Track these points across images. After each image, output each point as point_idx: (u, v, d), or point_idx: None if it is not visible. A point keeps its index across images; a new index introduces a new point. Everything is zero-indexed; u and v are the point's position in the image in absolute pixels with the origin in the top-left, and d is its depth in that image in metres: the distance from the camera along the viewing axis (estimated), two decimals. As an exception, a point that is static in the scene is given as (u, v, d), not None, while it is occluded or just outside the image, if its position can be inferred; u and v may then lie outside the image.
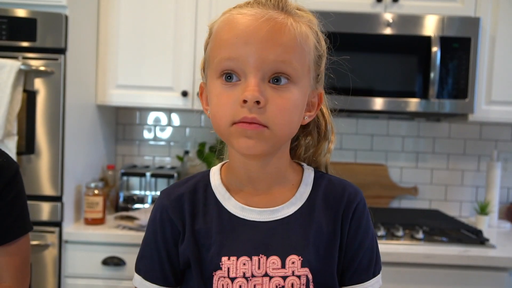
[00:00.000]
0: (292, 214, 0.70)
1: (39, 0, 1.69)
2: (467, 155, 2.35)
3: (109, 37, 1.99)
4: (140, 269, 0.74)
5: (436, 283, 1.69)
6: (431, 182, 2.36)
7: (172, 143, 2.37)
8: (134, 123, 2.36)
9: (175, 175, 2.10)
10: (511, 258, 1.66)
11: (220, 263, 0.67)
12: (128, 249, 1.77)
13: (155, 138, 2.37)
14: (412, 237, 1.79)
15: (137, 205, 2.07)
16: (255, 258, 0.67)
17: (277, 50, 0.61)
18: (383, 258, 1.69)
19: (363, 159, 2.35)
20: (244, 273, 0.67)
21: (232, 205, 0.70)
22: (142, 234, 1.68)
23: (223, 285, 0.67)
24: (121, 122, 2.35)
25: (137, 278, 0.74)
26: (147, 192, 2.09)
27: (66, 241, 1.76)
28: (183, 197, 0.72)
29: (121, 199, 2.08)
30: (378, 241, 1.75)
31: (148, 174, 2.09)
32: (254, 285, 0.66)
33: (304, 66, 0.65)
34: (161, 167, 2.26)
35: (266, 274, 0.67)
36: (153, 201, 2.09)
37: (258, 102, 0.61)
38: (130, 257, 1.76)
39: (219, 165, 0.76)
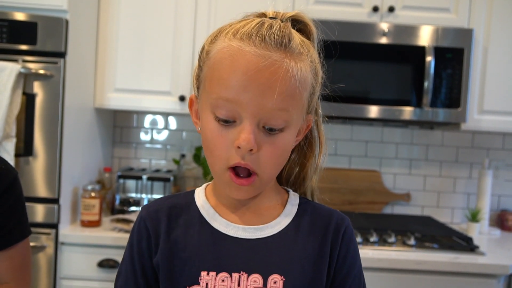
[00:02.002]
0: (277, 233, 0.70)
1: (40, 4, 1.71)
2: (460, 163, 2.39)
3: (108, 42, 2.01)
4: (118, 279, 0.74)
5: (427, 289, 1.72)
6: (424, 188, 2.40)
7: (168, 146, 2.39)
8: (131, 126, 2.38)
9: (171, 178, 2.12)
10: (500, 266, 1.70)
11: (199, 278, 0.66)
12: (123, 251, 1.78)
13: (152, 141, 2.39)
14: (404, 244, 1.82)
15: (133, 208, 2.08)
16: (235, 275, 0.66)
17: (276, 99, 0.61)
18: (376, 264, 1.74)
19: (357, 165, 2.39)
20: None
21: (216, 221, 0.70)
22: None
23: None
24: (118, 125, 2.37)
25: None
26: (143, 195, 2.11)
27: (62, 243, 1.77)
28: (162, 210, 0.72)
29: (117, 202, 2.10)
30: (371, 247, 1.79)
31: (144, 177, 2.11)
32: None
33: (300, 108, 0.65)
34: (157, 170, 2.28)
35: None
36: (149, 204, 2.10)
37: (251, 149, 0.62)
38: (126, 260, 1.78)
39: (204, 185, 0.76)
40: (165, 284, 0.68)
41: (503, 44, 2.01)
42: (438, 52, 1.95)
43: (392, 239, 1.83)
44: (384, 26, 1.96)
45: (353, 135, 2.38)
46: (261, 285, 0.66)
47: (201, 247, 0.68)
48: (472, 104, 2.03)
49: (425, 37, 1.96)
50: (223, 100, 0.62)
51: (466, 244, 1.84)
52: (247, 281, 0.66)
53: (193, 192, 0.76)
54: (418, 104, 1.97)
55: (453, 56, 1.96)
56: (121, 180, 2.11)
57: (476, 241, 1.92)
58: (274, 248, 0.68)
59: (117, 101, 2.04)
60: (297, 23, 0.71)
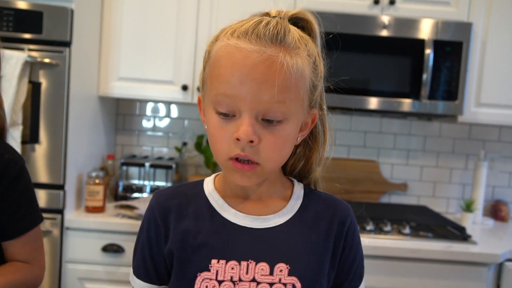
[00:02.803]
0: (283, 223, 0.73)
1: (46, -6, 1.73)
2: (456, 154, 2.43)
3: (112, 31, 2.03)
4: (133, 264, 0.79)
5: (421, 276, 1.78)
6: (421, 179, 2.44)
7: (170, 134, 2.43)
8: (134, 114, 2.42)
9: (173, 166, 2.17)
10: (491, 254, 1.75)
11: (209, 265, 0.69)
12: (127, 237, 1.84)
13: (154, 129, 2.43)
14: (399, 232, 1.88)
15: (135, 194, 2.13)
16: (243, 263, 0.70)
17: (272, 92, 0.63)
18: (371, 252, 1.79)
19: (356, 155, 2.43)
20: (231, 277, 0.69)
21: (225, 210, 0.73)
22: (140, 223, 1.75)
23: (207, 286, 0.69)
24: (121, 112, 2.41)
25: (131, 271, 0.79)
26: (146, 182, 2.16)
27: (67, 228, 1.82)
28: (172, 199, 0.76)
29: (120, 188, 2.15)
30: (367, 236, 1.84)
31: (147, 164, 2.15)
32: None
33: (298, 101, 0.68)
34: (159, 158, 2.32)
35: (253, 280, 0.69)
36: (151, 190, 2.15)
37: (251, 141, 0.64)
38: (129, 245, 1.84)
39: (213, 175, 0.79)
40: (177, 271, 0.72)
41: (501, 39, 2.04)
42: (437, 45, 1.98)
43: (388, 228, 1.89)
44: (385, 18, 1.99)
45: (352, 125, 2.42)
46: (268, 273, 0.70)
47: (212, 236, 0.72)
48: (470, 97, 2.07)
49: (425, 30, 1.99)
50: (223, 96, 0.65)
51: (459, 234, 1.89)
52: (254, 269, 0.70)
53: (202, 182, 0.79)
54: (416, 96, 2.00)
55: (452, 50, 1.99)
56: (124, 167, 2.16)
57: (469, 231, 1.97)
58: (280, 238, 0.72)
59: (120, 89, 2.08)
60: (300, 21, 0.73)
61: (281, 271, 0.70)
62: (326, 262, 0.74)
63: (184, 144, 2.39)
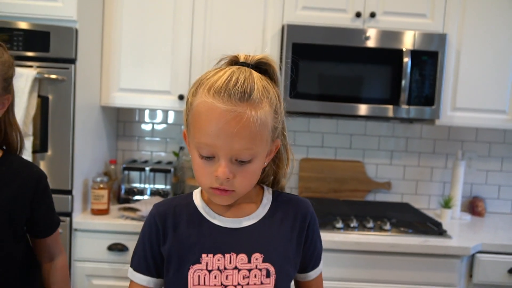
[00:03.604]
0: (256, 223, 0.92)
1: (52, 15, 1.88)
2: (436, 154, 2.60)
3: (112, 46, 2.18)
4: (132, 263, 0.96)
5: (400, 268, 1.95)
6: (403, 177, 2.61)
7: (168, 139, 2.59)
8: (134, 121, 2.57)
9: (172, 170, 2.33)
10: (463, 247, 1.93)
11: (200, 259, 0.88)
12: (130, 236, 2.00)
13: (153, 134, 2.58)
14: (381, 229, 2.05)
15: (137, 197, 2.29)
16: (227, 255, 0.88)
17: (241, 142, 0.80)
18: (355, 247, 1.96)
19: (343, 156, 2.59)
20: (218, 267, 0.88)
21: (211, 216, 0.92)
22: (143, 224, 1.92)
23: (199, 275, 0.87)
24: (122, 119, 2.56)
25: (130, 270, 0.97)
26: (146, 185, 2.32)
27: (76, 229, 1.98)
28: (169, 209, 0.94)
29: (122, 191, 2.30)
30: (351, 232, 2.01)
31: (147, 168, 2.31)
32: (226, 276, 0.87)
33: (262, 143, 0.84)
34: (158, 162, 2.48)
35: (235, 268, 0.88)
36: (151, 193, 2.31)
37: (227, 178, 0.82)
38: (132, 244, 1.97)
39: (199, 188, 0.97)
40: (175, 265, 0.90)
41: (474, 48, 2.21)
42: (415, 55, 2.14)
43: (370, 224, 2.05)
44: (367, 30, 2.15)
45: (339, 128, 2.58)
46: (246, 261, 0.88)
47: (201, 236, 0.90)
48: (446, 102, 2.23)
49: (403, 41, 2.15)
50: (204, 144, 0.82)
51: (436, 229, 2.06)
52: (236, 259, 0.88)
53: (191, 194, 0.97)
54: (396, 102, 2.16)
55: (428, 59, 2.15)
56: (126, 172, 2.31)
57: (447, 226, 2.14)
58: (255, 234, 0.91)
59: (121, 99, 2.23)
60: (263, 65, 0.89)
61: (257, 259, 0.88)
62: (293, 250, 0.93)
63: (181, 148, 2.54)
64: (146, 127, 2.58)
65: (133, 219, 2.02)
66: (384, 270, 1.95)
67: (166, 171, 2.32)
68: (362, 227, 2.06)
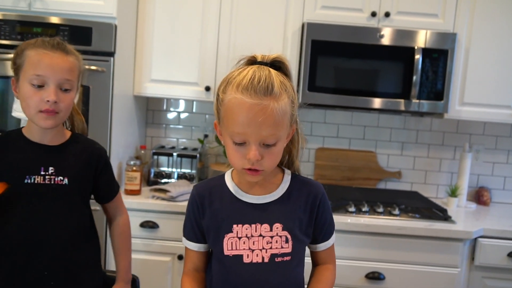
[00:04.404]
0: (277, 199, 1.10)
1: (94, 12, 2.08)
2: (445, 146, 2.75)
3: (145, 40, 2.37)
4: (184, 233, 1.17)
5: (406, 250, 2.12)
6: (413, 167, 2.77)
7: (193, 128, 2.78)
8: (162, 110, 2.77)
9: (198, 156, 2.52)
10: (466, 232, 2.09)
11: (232, 228, 1.08)
12: (160, 215, 2.20)
13: (179, 123, 2.78)
14: (390, 213, 2.22)
15: (165, 180, 2.49)
16: (253, 225, 1.08)
17: (267, 129, 0.97)
18: (365, 229, 2.14)
19: (356, 147, 2.76)
20: (246, 234, 1.08)
21: (240, 194, 1.11)
22: (172, 204, 2.21)
23: (231, 242, 1.08)
24: (151, 108, 2.76)
25: (183, 239, 1.18)
26: (174, 169, 2.52)
27: (111, 207, 2.19)
28: (206, 189, 1.14)
29: (152, 175, 2.51)
30: (362, 216, 2.19)
31: (175, 154, 2.51)
32: (253, 242, 1.07)
33: (284, 128, 1.01)
34: (184, 148, 2.68)
35: (260, 235, 1.07)
36: (178, 176, 2.51)
37: (257, 160, 0.99)
38: (162, 221, 2.20)
39: (229, 170, 1.16)
40: (213, 234, 1.11)
41: (482, 47, 2.35)
42: (426, 52, 2.29)
43: (380, 209, 2.22)
44: (381, 29, 2.30)
45: (353, 120, 2.75)
46: (269, 230, 1.08)
47: (232, 211, 1.10)
48: (454, 97, 2.38)
49: (416, 39, 2.30)
50: (236, 133, 0.99)
51: (441, 215, 2.23)
52: (260, 228, 1.08)
53: (223, 176, 1.17)
54: (407, 96, 2.32)
55: (439, 56, 2.30)
56: (155, 156, 2.51)
57: (453, 213, 2.30)
58: (275, 208, 1.10)
59: (152, 89, 2.42)
60: (278, 63, 1.07)
61: (277, 228, 1.08)
62: (306, 222, 1.12)
63: (206, 136, 2.73)
64: (173, 115, 2.77)
65: (163, 199, 2.22)
66: (391, 251, 2.12)
67: (192, 157, 2.52)
68: (372, 211, 2.23)
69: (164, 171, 2.52)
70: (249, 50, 2.48)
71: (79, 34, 2.06)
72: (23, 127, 1.33)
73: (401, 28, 2.32)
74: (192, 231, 1.15)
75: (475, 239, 2.13)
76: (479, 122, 2.70)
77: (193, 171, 2.53)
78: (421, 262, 2.12)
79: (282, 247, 1.08)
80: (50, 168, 1.26)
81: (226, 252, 1.08)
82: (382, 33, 2.30)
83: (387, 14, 2.33)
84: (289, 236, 1.08)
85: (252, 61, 1.06)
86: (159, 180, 2.50)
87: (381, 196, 2.50)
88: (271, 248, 1.07)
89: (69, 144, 1.31)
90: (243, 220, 1.08)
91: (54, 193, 1.26)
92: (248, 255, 1.07)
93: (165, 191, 2.24)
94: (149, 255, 2.22)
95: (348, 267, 2.12)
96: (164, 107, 2.77)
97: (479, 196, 2.67)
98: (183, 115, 2.78)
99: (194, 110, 2.77)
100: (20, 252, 1.23)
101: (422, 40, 2.29)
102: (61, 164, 1.28)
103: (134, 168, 2.27)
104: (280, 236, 1.08)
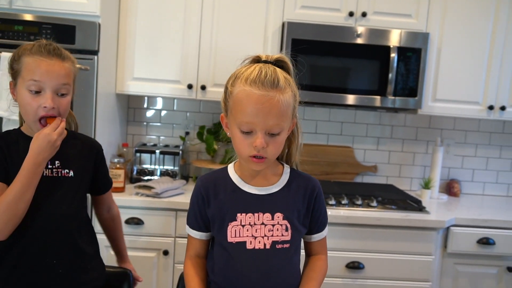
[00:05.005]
0: (278, 190, 1.18)
1: (78, 11, 2.08)
2: (418, 140, 2.88)
3: (127, 39, 2.39)
4: (188, 222, 1.25)
5: (384, 239, 2.22)
6: (388, 161, 2.89)
7: (174, 125, 2.81)
8: (143, 107, 2.78)
9: (180, 153, 2.56)
10: (439, 221, 2.21)
11: (236, 217, 1.15)
12: (145, 211, 2.23)
13: (160, 120, 2.80)
14: (368, 205, 2.31)
15: (148, 177, 2.52)
16: (256, 214, 1.16)
17: (273, 119, 1.06)
18: (346, 221, 2.22)
19: (334, 142, 2.85)
20: (249, 222, 1.15)
21: (243, 185, 1.18)
22: (157, 200, 2.25)
23: (235, 230, 1.15)
24: (132, 106, 2.77)
25: (187, 227, 1.25)
26: (156, 166, 2.54)
27: (96, 205, 2.20)
28: (210, 180, 1.21)
29: (134, 172, 2.53)
30: (342, 208, 2.27)
31: (157, 151, 2.54)
32: (256, 229, 1.15)
33: (287, 120, 1.10)
34: (166, 145, 2.71)
35: (262, 223, 1.15)
36: (161, 173, 2.54)
37: (263, 147, 1.07)
38: (147, 218, 2.23)
39: (232, 163, 1.23)
40: (218, 223, 1.17)
41: (453, 46, 2.47)
42: (401, 51, 2.39)
43: (359, 202, 2.32)
44: (358, 28, 2.39)
45: (331, 116, 2.84)
46: (270, 219, 1.16)
47: (236, 200, 1.17)
48: (427, 93, 2.50)
49: (390, 39, 2.40)
50: (244, 122, 1.07)
51: (416, 206, 2.34)
52: (262, 217, 1.16)
53: (226, 168, 1.23)
54: (383, 93, 2.42)
55: (412, 55, 2.41)
56: (138, 154, 2.53)
57: (426, 204, 2.42)
58: (277, 198, 1.18)
59: (135, 87, 2.44)
60: (281, 62, 1.15)
61: (278, 217, 1.16)
62: (303, 213, 1.20)
63: (187, 133, 2.77)
64: (154, 113, 2.79)
65: (147, 196, 2.25)
66: (370, 241, 2.22)
67: (175, 154, 2.55)
68: (352, 204, 2.32)
69: (146, 168, 2.54)
70: (231, 48, 2.57)
71: (62, 33, 2.06)
72: (19, 126, 1.37)
73: (377, 28, 2.41)
74: (195, 220, 1.22)
75: (448, 228, 2.25)
76: (450, 118, 2.84)
77: (176, 168, 2.57)
78: (398, 251, 2.23)
79: (282, 235, 1.16)
80: (56, 161, 1.32)
81: (229, 239, 1.15)
82: (359, 32, 2.39)
83: (364, 14, 2.42)
84: (288, 225, 1.16)
85: (256, 60, 1.14)
86: (142, 177, 2.52)
87: (359, 189, 2.60)
88: (272, 235, 1.15)
89: (69, 139, 1.35)
90: (246, 209, 1.15)
91: (62, 185, 1.31)
92: (251, 242, 1.14)
93: (149, 187, 2.26)
94: (134, 251, 2.24)
95: (329, 257, 2.16)
96: (145, 105, 2.79)
97: (450, 188, 2.81)
98: (164, 113, 2.80)
99: (175, 108, 2.80)
100: (33, 242, 1.27)
101: (397, 39, 2.39)
102: (65, 157, 1.33)
103: (118, 165, 2.29)
104: (281, 225, 1.15)
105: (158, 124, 2.81)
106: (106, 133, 2.35)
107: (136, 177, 2.53)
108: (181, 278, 1.42)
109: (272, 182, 1.19)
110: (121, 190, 2.31)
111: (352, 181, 2.84)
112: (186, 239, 2.19)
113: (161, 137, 2.82)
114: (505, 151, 2.91)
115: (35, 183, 1.23)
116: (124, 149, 2.59)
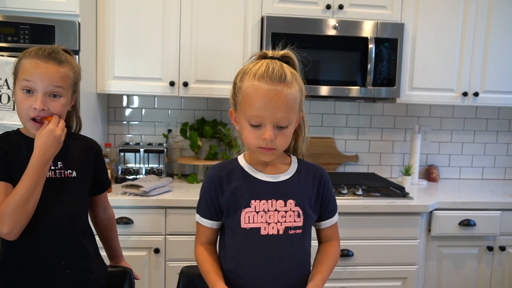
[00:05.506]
0: (289, 178, 1.22)
1: (56, 10, 2.05)
2: (397, 129, 2.96)
3: (106, 38, 2.36)
4: (198, 210, 1.26)
5: (372, 226, 2.28)
6: (369, 150, 2.95)
7: (156, 123, 2.79)
8: (123, 106, 2.76)
9: (164, 150, 2.55)
10: (423, 206, 2.28)
11: (250, 203, 1.18)
12: (134, 210, 2.21)
13: (142, 119, 2.78)
14: (354, 194, 2.37)
15: (133, 176, 2.50)
16: (269, 201, 1.19)
17: (281, 112, 1.10)
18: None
19: (315, 133, 2.90)
20: (263, 209, 1.18)
21: (255, 173, 1.21)
22: (146, 199, 2.22)
23: (249, 216, 1.18)
24: (112, 105, 2.74)
25: (197, 215, 1.26)
26: (141, 165, 2.53)
27: (83, 206, 2.17)
28: (222, 170, 1.23)
29: (119, 172, 2.50)
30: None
31: (141, 150, 2.52)
32: (269, 216, 1.18)
33: (295, 113, 1.15)
34: (150, 144, 2.69)
35: (276, 210, 1.19)
36: (146, 172, 2.53)
37: (271, 140, 1.11)
38: (137, 217, 2.21)
39: (242, 154, 1.27)
40: (232, 209, 1.19)
41: (427, 35, 2.55)
42: (378, 42, 2.45)
43: (345, 191, 2.37)
44: (335, 21, 2.43)
45: (311, 108, 2.88)
46: (283, 205, 1.19)
47: (250, 187, 1.20)
48: (405, 82, 2.57)
49: (367, 30, 2.45)
50: (254, 116, 1.11)
51: (400, 192, 2.41)
52: (276, 203, 1.19)
53: (236, 159, 1.26)
54: (362, 83, 2.48)
55: (389, 45, 2.47)
56: (122, 154, 2.51)
57: (408, 190, 2.50)
58: (288, 186, 1.21)
59: (116, 86, 2.41)
60: (286, 58, 1.19)
61: (290, 204, 1.19)
62: (313, 199, 1.23)
63: (169, 131, 2.76)
64: (135, 112, 2.77)
65: (135, 195, 2.24)
66: (358, 229, 2.28)
67: (159, 152, 2.54)
68: (338, 193, 2.37)
69: (131, 167, 2.52)
70: (211, 43, 2.56)
71: (41, 33, 2.02)
72: (18, 128, 1.36)
73: (354, 20, 2.46)
74: (207, 209, 1.24)
75: (431, 212, 2.33)
76: (426, 105, 2.93)
77: (161, 166, 2.56)
78: (384, 237, 2.29)
79: (295, 221, 1.19)
80: (59, 162, 1.31)
81: (243, 225, 1.18)
82: (336, 24, 2.43)
83: (340, 7, 2.47)
84: (300, 212, 1.20)
85: (263, 57, 1.17)
86: (127, 176, 2.50)
87: (343, 179, 2.65)
88: (285, 221, 1.19)
89: (69, 140, 1.34)
90: (260, 196, 1.18)
91: (66, 185, 1.31)
92: (265, 228, 1.18)
93: (137, 186, 2.25)
94: (125, 251, 2.17)
95: (319, 246, 2.24)
96: (125, 104, 2.76)
97: (429, 174, 2.90)
98: (144, 111, 2.78)
99: (156, 106, 2.78)
100: (41, 243, 1.27)
101: (373, 30, 2.45)
102: (67, 158, 1.33)
103: (103, 166, 2.27)
104: (293, 211, 1.19)
105: (140, 122, 2.78)
106: (89, 134, 2.28)
107: (121, 176, 2.50)
108: (182, 276, 1.42)
109: (282, 171, 1.22)
110: (108, 190, 2.28)
111: (334, 171, 2.89)
112: (176, 237, 2.22)
113: (143, 136, 2.80)
114: (478, 136, 3.02)
115: (42, 181, 1.23)
116: (108, 149, 2.56)
